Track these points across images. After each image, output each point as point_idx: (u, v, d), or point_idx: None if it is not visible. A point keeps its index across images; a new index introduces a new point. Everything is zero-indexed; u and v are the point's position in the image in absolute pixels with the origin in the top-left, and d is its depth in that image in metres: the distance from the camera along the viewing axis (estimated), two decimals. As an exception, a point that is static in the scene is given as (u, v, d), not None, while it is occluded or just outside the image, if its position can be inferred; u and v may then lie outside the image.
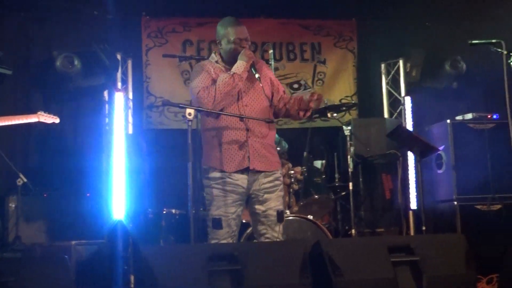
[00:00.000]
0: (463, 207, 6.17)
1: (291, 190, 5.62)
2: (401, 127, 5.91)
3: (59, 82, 6.37)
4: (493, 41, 4.52)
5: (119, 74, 6.41)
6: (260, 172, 4.08)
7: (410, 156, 6.79)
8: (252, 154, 4.04)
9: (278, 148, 6.03)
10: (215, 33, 7.26)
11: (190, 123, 4.61)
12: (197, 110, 4.15)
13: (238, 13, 6.91)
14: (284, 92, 4.32)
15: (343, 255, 3.36)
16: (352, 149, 6.36)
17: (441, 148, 6.23)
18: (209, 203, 4.12)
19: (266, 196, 4.08)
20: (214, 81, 4.03)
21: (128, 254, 5.90)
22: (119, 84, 6.39)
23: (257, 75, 4.03)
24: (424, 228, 5.53)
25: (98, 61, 6.20)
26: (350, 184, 6.13)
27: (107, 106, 6.35)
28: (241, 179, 4.05)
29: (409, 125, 7.07)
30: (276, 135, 6.15)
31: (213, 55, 4.26)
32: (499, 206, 6.13)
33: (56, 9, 6.48)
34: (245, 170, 4.05)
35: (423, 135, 6.18)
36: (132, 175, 6.07)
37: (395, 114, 7.34)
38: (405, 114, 7.18)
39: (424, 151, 5.44)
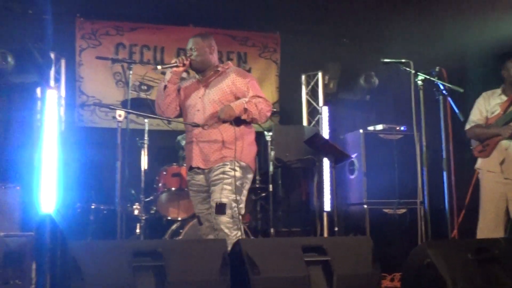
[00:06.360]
0: (372, 210, 6.46)
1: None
2: (318, 135, 6.00)
3: (-9, 77, 6.36)
4: (403, 60, 4.71)
5: (52, 73, 6.43)
6: (209, 169, 4.25)
7: (326, 162, 6.93)
8: (195, 153, 4.29)
9: None
10: (146, 37, 7.47)
11: (119, 124, 4.83)
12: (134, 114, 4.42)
13: (168, 21, 7.23)
14: (253, 96, 4.36)
15: (260, 254, 3.46)
16: (272, 153, 6.57)
17: (353, 155, 6.53)
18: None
19: (212, 188, 4.22)
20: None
21: (56, 247, 6.02)
22: (52, 82, 6.42)
23: (192, 79, 4.43)
24: (336, 228, 5.69)
25: (32, 58, 6.23)
26: (270, 186, 6.37)
27: (39, 103, 6.38)
28: (201, 179, 4.31)
29: (325, 133, 7.24)
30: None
31: None
32: (404, 210, 6.43)
33: (-9, 7, 6.46)
34: (199, 169, 4.29)
35: (338, 143, 6.40)
36: (63, 169, 6.11)
37: (313, 122, 7.51)
38: (322, 122, 7.36)
39: (338, 157, 5.58)
